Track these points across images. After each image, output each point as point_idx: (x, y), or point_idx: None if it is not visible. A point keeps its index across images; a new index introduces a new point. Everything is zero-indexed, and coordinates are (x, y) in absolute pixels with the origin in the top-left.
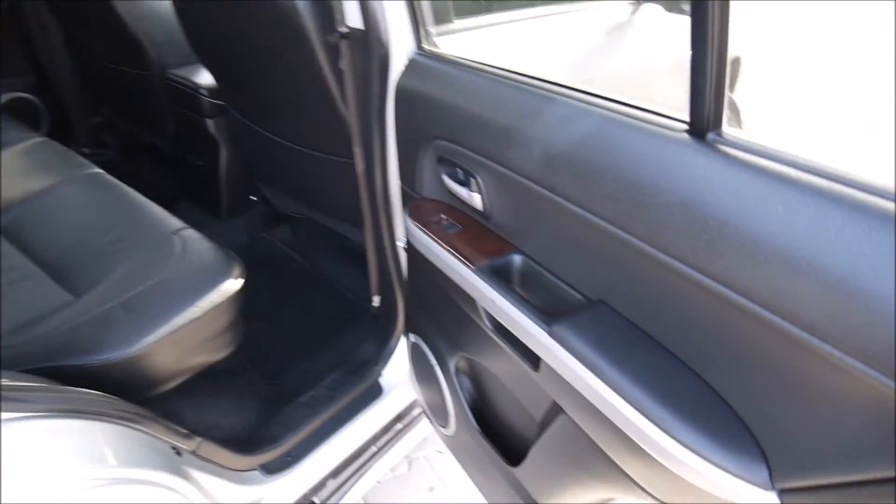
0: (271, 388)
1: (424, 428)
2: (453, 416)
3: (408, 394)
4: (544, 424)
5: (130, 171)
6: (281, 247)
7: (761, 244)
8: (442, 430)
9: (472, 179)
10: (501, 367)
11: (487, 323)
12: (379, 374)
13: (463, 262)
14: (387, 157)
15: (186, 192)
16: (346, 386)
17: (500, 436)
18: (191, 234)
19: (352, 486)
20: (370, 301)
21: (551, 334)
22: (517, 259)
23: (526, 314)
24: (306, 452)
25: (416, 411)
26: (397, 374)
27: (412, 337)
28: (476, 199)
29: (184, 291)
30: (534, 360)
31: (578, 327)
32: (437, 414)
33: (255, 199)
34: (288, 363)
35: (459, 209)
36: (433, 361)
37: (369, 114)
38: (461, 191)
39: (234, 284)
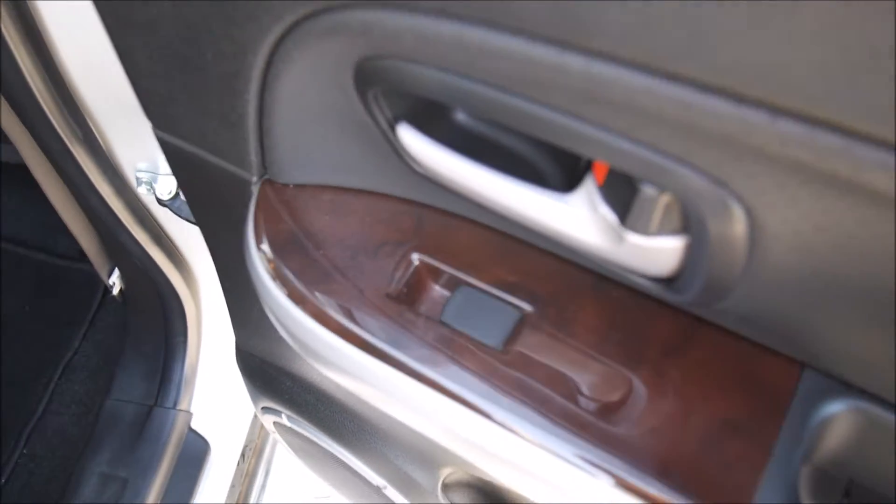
0: None
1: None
2: None
3: (240, 427)
4: None
5: None
6: None
7: None
8: None
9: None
10: None
11: None
12: (188, 417)
13: None
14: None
15: None
16: (132, 484)
17: None
18: None
19: None
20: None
21: None
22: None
23: None
24: None
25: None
26: (211, 405)
27: (301, 427)
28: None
29: None
30: None
31: None
32: None
33: None
34: None
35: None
36: (375, 481)
37: None
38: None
39: None
